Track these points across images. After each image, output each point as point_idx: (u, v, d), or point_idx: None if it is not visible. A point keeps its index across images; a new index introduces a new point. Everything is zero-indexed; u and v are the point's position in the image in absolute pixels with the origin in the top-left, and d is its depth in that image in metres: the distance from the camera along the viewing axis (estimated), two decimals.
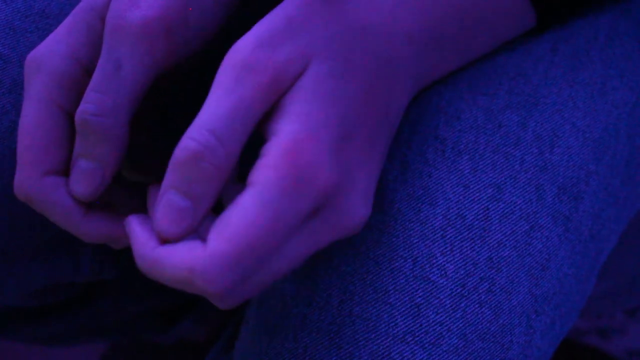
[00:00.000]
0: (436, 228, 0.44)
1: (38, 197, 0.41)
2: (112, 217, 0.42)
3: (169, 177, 0.38)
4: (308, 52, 0.39)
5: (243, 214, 0.36)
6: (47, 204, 0.41)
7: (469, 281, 0.44)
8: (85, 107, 0.40)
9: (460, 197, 0.45)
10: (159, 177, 0.45)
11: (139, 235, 0.39)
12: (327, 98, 0.38)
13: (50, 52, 0.41)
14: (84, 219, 0.41)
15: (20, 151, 0.41)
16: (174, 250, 0.37)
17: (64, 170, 0.42)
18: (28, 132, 0.41)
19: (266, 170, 0.37)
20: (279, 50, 0.38)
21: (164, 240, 0.38)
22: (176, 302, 0.70)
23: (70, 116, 0.42)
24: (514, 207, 0.45)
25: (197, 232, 0.40)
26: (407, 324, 0.43)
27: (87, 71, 0.42)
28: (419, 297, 0.43)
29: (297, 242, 0.38)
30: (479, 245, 0.44)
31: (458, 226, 0.44)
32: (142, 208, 0.44)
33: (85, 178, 0.41)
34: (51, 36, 0.42)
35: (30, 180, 0.41)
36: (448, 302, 0.43)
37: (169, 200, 0.38)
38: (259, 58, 0.38)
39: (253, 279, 0.38)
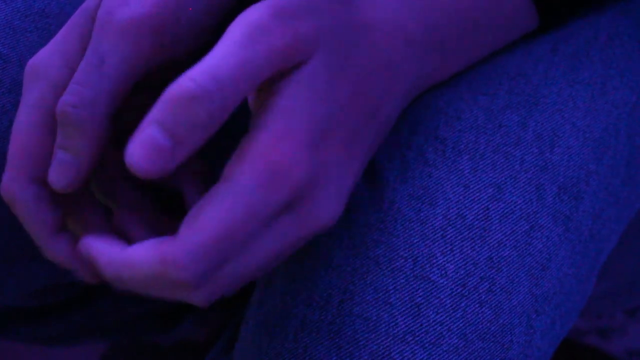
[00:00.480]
0: (436, 228, 0.44)
1: (19, 202, 0.41)
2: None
3: (156, 111, 0.36)
4: (321, 35, 0.38)
5: (217, 205, 0.36)
6: (25, 210, 0.42)
7: (469, 281, 0.44)
8: (65, 99, 0.40)
9: (461, 197, 0.45)
10: (126, 203, 0.44)
11: (101, 245, 0.38)
12: (317, 96, 0.38)
13: (46, 62, 0.42)
14: (53, 236, 0.42)
15: (10, 154, 0.42)
16: (142, 247, 0.37)
17: None
18: (20, 137, 0.42)
19: (242, 164, 0.36)
20: (297, 22, 0.38)
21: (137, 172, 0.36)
22: (176, 303, 0.70)
23: None
24: (514, 206, 0.45)
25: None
26: (407, 324, 0.43)
27: None
28: (419, 296, 0.43)
29: (268, 236, 0.38)
30: (479, 245, 0.44)
31: (458, 226, 0.44)
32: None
33: (61, 169, 0.41)
34: (49, 45, 0.42)
35: (16, 183, 0.42)
36: (448, 301, 0.43)
37: (150, 134, 0.36)
38: (278, 23, 0.37)
39: (225, 272, 0.38)
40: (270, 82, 0.38)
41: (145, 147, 0.35)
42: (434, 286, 0.43)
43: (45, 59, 0.42)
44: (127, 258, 0.37)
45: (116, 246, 0.38)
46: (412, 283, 0.43)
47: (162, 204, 0.49)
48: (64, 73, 0.42)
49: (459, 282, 0.43)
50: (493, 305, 0.44)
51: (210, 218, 0.36)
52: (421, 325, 0.43)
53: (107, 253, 0.38)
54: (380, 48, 0.41)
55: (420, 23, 0.43)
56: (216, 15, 0.43)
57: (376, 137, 0.42)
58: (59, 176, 0.41)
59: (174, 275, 0.36)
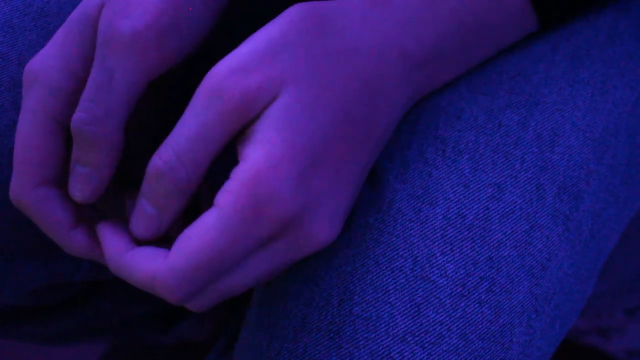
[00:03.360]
0: (436, 228, 0.44)
1: (29, 207, 0.43)
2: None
3: (143, 186, 0.41)
4: (282, 78, 0.40)
5: (202, 234, 0.39)
6: (37, 213, 0.43)
7: (469, 281, 0.43)
8: (79, 116, 0.41)
9: (461, 197, 0.45)
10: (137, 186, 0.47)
11: (109, 240, 0.42)
12: (293, 127, 0.39)
13: (46, 66, 0.42)
14: (71, 232, 0.43)
15: (15, 161, 0.43)
16: (139, 258, 0.41)
17: (58, 181, 0.43)
18: (23, 143, 0.42)
19: (228, 195, 0.39)
20: (250, 76, 0.39)
21: (137, 241, 0.42)
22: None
23: (65, 128, 0.43)
24: (514, 206, 0.45)
25: (169, 235, 0.44)
26: (407, 324, 0.43)
27: (82, 82, 0.43)
28: (419, 296, 0.43)
29: (258, 260, 0.41)
30: (479, 244, 0.44)
31: (458, 226, 0.44)
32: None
33: (82, 182, 0.42)
34: (47, 47, 0.43)
35: (23, 189, 0.42)
36: (448, 301, 0.43)
37: (141, 206, 0.41)
38: (228, 84, 0.39)
39: (213, 290, 0.41)
40: (245, 126, 0.40)
41: (139, 217, 0.41)
42: (433, 286, 0.43)
43: (44, 63, 0.42)
44: (126, 262, 0.41)
45: (122, 240, 0.42)
46: (412, 283, 0.43)
47: None
48: (63, 77, 0.42)
49: (459, 282, 0.43)
50: (493, 305, 0.44)
51: (195, 245, 0.39)
52: (421, 325, 0.43)
53: (113, 247, 0.42)
54: (367, 69, 0.41)
55: (415, 37, 0.43)
56: (215, 8, 0.43)
57: (373, 154, 0.43)
58: (79, 189, 0.42)
59: (161, 293, 0.40)
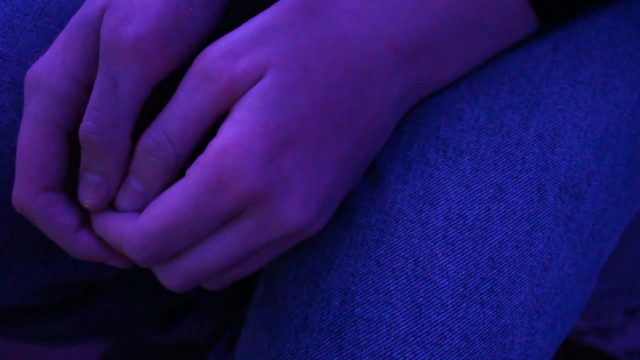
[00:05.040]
0: (438, 228, 0.44)
1: (33, 212, 0.43)
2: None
3: (132, 164, 0.43)
4: (267, 62, 0.41)
5: (169, 199, 0.41)
6: (41, 219, 0.43)
7: (471, 281, 0.43)
8: (87, 126, 0.42)
9: (462, 198, 0.45)
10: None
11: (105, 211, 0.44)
12: (270, 107, 0.40)
13: (48, 71, 0.42)
14: (75, 236, 0.44)
15: (18, 167, 0.43)
16: (114, 218, 0.43)
17: (62, 185, 0.44)
18: (25, 149, 0.43)
19: (197, 167, 0.40)
20: (238, 60, 0.41)
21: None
22: (176, 303, 0.69)
23: (68, 133, 0.43)
24: (516, 207, 0.45)
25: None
26: (408, 325, 0.43)
27: (85, 88, 0.43)
28: (421, 297, 0.43)
29: (226, 237, 0.42)
30: (481, 245, 0.44)
31: (459, 226, 0.44)
32: None
33: (92, 190, 0.43)
34: (48, 52, 0.43)
35: (26, 195, 0.43)
36: (450, 302, 0.43)
37: (128, 183, 0.43)
38: (217, 67, 0.41)
39: (183, 264, 0.43)
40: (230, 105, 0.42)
41: (125, 192, 0.43)
42: (435, 287, 0.43)
43: (46, 68, 0.42)
44: (103, 221, 0.43)
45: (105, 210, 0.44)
46: (413, 284, 0.43)
47: None
48: (65, 83, 0.42)
49: (461, 282, 0.43)
50: (494, 306, 0.44)
51: (161, 209, 0.41)
52: (422, 325, 0.43)
53: (101, 213, 0.44)
54: (356, 58, 0.42)
55: (407, 30, 0.43)
56: (215, 10, 0.43)
57: (359, 144, 0.43)
58: (90, 197, 0.43)
59: (128, 252, 0.42)
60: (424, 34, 0.43)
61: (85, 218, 0.44)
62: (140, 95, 0.42)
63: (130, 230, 0.42)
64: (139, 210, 0.43)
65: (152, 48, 0.41)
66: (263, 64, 0.41)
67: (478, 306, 0.43)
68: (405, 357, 0.42)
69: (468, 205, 0.44)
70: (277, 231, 0.41)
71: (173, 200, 0.41)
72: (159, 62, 0.41)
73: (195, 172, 0.40)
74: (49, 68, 0.42)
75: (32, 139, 0.42)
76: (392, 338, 0.42)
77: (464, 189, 0.45)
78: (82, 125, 0.42)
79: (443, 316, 0.43)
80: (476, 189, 0.45)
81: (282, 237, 0.42)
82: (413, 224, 0.44)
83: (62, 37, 0.43)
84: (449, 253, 0.44)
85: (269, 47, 0.41)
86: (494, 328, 0.43)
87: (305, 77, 0.41)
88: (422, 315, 0.43)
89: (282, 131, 0.40)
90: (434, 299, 0.43)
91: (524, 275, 0.45)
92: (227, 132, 0.40)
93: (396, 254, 0.44)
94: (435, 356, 0.42)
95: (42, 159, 0.42)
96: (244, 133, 0.40)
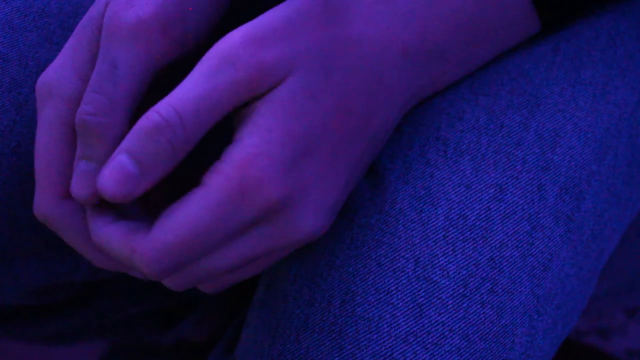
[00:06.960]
0: (438, 228, 0.44)
1: (55, 221, 0.42)
2: None
3: (127, 140, 0.38)
4: (293, 60, 0.39)
5: (187, 210, 0.38)
6: (64, 227, 0.42)
7: (471, 281, 0.43)
8: (83, 108, 0.40)
9: (462, 198, 0.45)
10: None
11: (91, 212, 0.41)
12: (294, 115, 0.39)
13: (58, 77, 0.42)
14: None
15: (37, 177, 0.42)
16: (120, 229, 0.40)
17: None
18: (42, 157, 0.42)
19: (218, 176, 0.38)
20: (266, 50, 0.39)
21: (104, 198, 0.40)
22: (176, 303, 0.69)
23: None
24: (516, 207, 0.45)
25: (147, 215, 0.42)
26: (409, 325, 0.43)
27: None
28: (421, 297, 0.43)
29: (239, 244, 0.40)
30: (481, 245, 0.44)
31: (460, 226, 0.44)
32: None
33: (86, 179, 0.41)
34: (58, 58, 0.42)
35: (47, 203, 0.42)
36: (450, 302, 0.43)
37: (120, 161, 0.38)
38: (244, 54, 0.39)
39: (191, 271, 0.40)
40: (250, 100, 0.39)
41: (115, 173, 0.38)
42: (435, 287, 0.43)
43: (57, 74, 0.42)
44: (107, 235, 0.40)
45: (107, 212, 0.41)
46: (414, 284, 0.43)
47: None
48: (77, 86, 0.42)
49: (461, 282, 0.43)
50: (495, 306, 0.44)
51: (179, 221, 0.38)
52: (423, 325, 0.43)
53: (94, 223, 0.41)
54: (369, 61, 0.41)
55: (418, 34, 0.43)
56: (216, 14, 0.43)
57: (367, 148, 0.42)
58: (83, 187, 0.41)
59: (140, 266, 0.39)
60: (434, 38, 0.43)
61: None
62: (139, 78, 0.41)
63: (143, 243, 0.39)
64: (129, 198, 0.39)
65: (153, 31, 0.40)
66: (292, 60, 0.39)
67: (479, 306, 0.43)
68: (406, 357, 0.42)
69: (468, 205, 0.44)
70: (289, 240, 0.40)
71: (192, 211, 0.38)
72: (159, 46, 0.41)
73: (217, 181, 0.38)
74: (59, 73, 0.42)
75: (48, 145, 0.41)
76: (393, 338, 0.42)
77: (464, 189, 0.45)
78: (79, 110, 0.40)
79: (444, 316, 0.43)
80: (476, 189, 0.45)
81: (295, 244, 0.41)
82: (414, 224, 0.44)
83: (70, 42, 0.42)
84: (450, 253, 0.44)
85: (294, 44, 0.39)
86: (495, 328, 0.43)
87: (326, 81, 0.40)
88: (423, 315, 0.43)
89: (305, 139, 0.39)
90: (435, 299, 0.43)
91: (525, 275, 0.45)
92: (251, 139, 0.38)
93: (397, 254, 0.44)
94: (436, 356, 0.42)
95: (60, 165, 0.42)
96: (270, 141, 0.38)
